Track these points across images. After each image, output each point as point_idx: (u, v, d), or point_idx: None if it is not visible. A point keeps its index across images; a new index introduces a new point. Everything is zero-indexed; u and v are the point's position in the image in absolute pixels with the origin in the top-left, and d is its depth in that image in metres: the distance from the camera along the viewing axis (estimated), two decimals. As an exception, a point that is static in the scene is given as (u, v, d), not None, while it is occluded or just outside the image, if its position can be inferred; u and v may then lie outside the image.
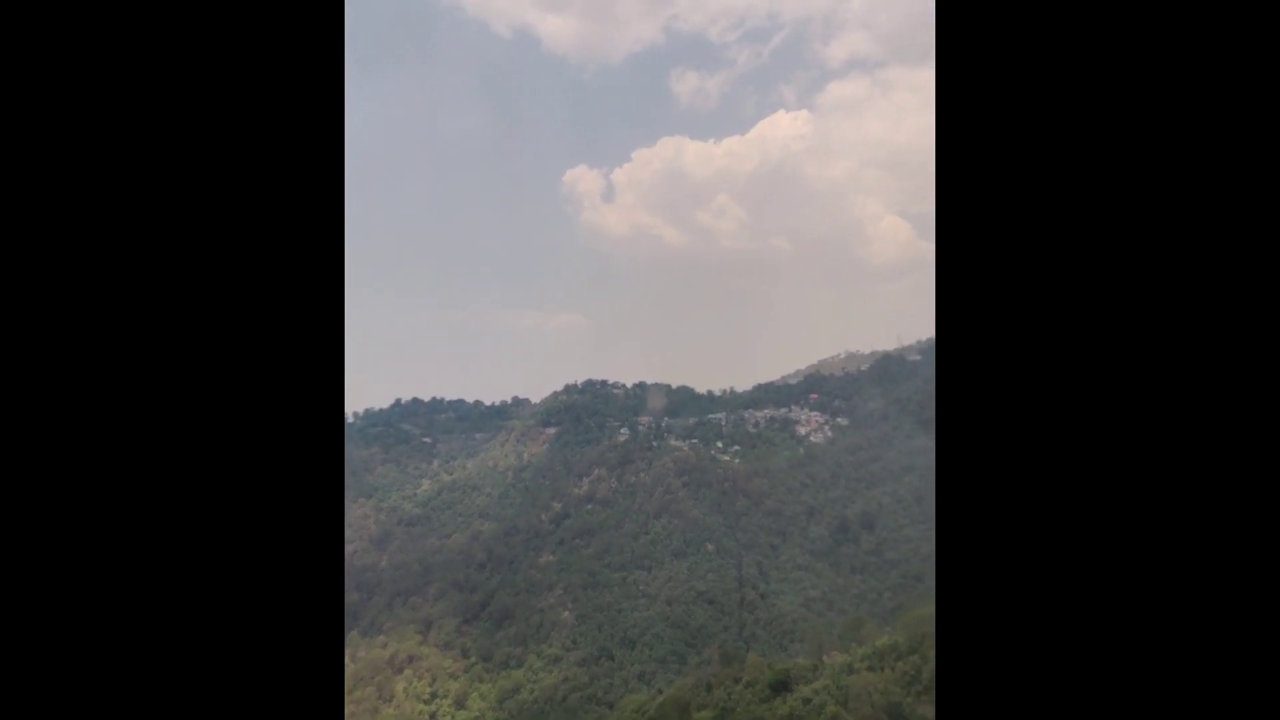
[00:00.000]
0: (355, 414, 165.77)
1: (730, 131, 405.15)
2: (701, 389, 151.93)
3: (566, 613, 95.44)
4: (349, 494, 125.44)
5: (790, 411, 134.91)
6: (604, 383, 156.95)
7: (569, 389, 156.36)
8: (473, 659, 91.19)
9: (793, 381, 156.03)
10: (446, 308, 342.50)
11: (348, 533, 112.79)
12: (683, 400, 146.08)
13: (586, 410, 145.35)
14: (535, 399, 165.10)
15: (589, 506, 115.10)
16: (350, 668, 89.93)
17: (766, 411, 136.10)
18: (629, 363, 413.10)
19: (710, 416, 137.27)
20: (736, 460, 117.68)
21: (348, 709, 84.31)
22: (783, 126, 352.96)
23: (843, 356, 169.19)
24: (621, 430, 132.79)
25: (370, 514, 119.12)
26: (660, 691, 77.96)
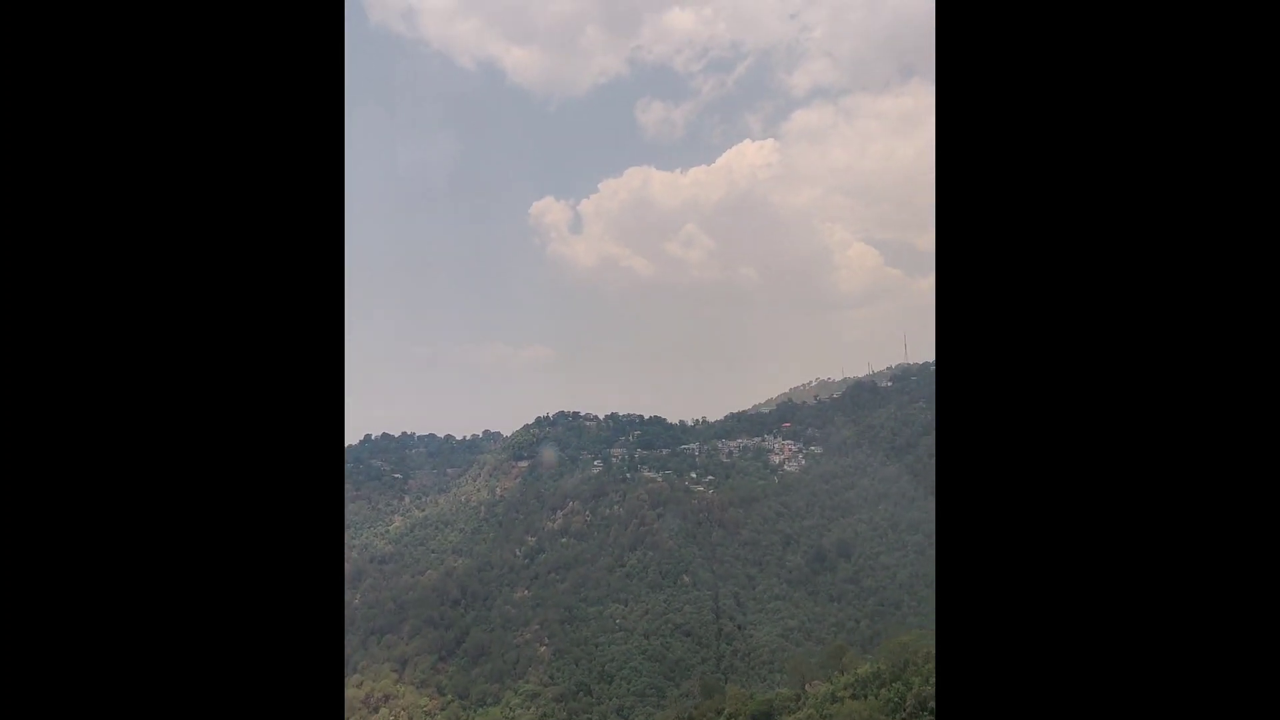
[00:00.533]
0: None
1: (697, 161, 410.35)
2: (674, 419, 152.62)
3: (543, 648, 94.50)
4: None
5: (764, 440, 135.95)
6: (576, 414, 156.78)
7: (540, 421, 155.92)
8: (449, 696, 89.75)
9: (765, 410, 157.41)
10: (411, 342, 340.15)
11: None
12: (655, 431, 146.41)
13: (558, 442, 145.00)
14: (506, 432, 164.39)
15: (563, 540, 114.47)
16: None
17: (740, 441, 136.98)
18: (600, 394, 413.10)
19: (683, 447, 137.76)
20: (711, 490, 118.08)
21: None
22: (749, 155, 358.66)
23: (814, 384, 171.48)
24: (595, 462, 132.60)
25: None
26: (640, 726, 77.40)
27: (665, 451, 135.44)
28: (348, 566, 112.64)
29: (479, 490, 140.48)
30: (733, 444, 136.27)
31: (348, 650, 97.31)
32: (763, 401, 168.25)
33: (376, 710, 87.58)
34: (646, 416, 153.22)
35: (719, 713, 50.44)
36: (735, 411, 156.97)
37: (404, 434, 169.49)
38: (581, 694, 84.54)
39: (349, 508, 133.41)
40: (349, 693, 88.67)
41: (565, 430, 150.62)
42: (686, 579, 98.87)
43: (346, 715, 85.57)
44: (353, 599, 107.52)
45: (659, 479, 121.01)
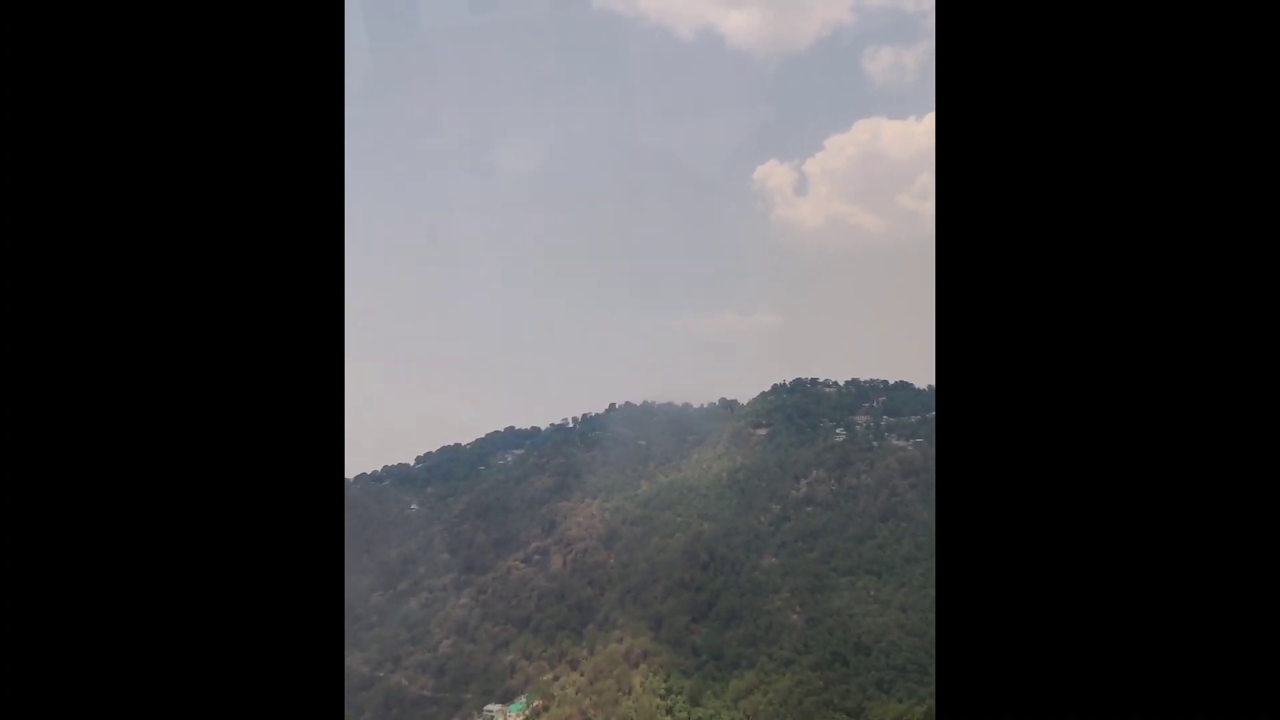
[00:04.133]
0: (575, 419, 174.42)
1: (932, 106, 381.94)
2: (922, 384, 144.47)
3: (795, 615, 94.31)
4: (576, 494, 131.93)
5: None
6: (814, 380, 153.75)
7: (777, 389, 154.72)
8: (704, 657, 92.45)
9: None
10: (647, 315, 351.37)
11: (578, 530, 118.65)
12: (902, 397, 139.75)
13: (797, 409, 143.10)
14: (743, 400, 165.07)
15: (809, 509, 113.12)
16: (590, 660, 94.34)
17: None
18: (836, 360, 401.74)
19: (934, 414, 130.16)
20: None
21: (588, 699, 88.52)
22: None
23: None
24: (838, 430, 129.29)
25: (597, 513, 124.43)
26: (901, 701, 74.84)
27: (914, 419, 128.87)
28: (602, 527, 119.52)
29: (719, 458, 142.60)
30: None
31: (607, 607, 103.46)
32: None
33: (636, 666, 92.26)
34: (891, 381, 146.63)
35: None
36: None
37: (645, 403, 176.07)
38: (838, 664, 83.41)
39: (599, 473, 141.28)
40: (611, 648, 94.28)
41: (803, 397, 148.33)
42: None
43: (610, 668, 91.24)
44: (608, 559, 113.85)
45: (909, 447, 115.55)
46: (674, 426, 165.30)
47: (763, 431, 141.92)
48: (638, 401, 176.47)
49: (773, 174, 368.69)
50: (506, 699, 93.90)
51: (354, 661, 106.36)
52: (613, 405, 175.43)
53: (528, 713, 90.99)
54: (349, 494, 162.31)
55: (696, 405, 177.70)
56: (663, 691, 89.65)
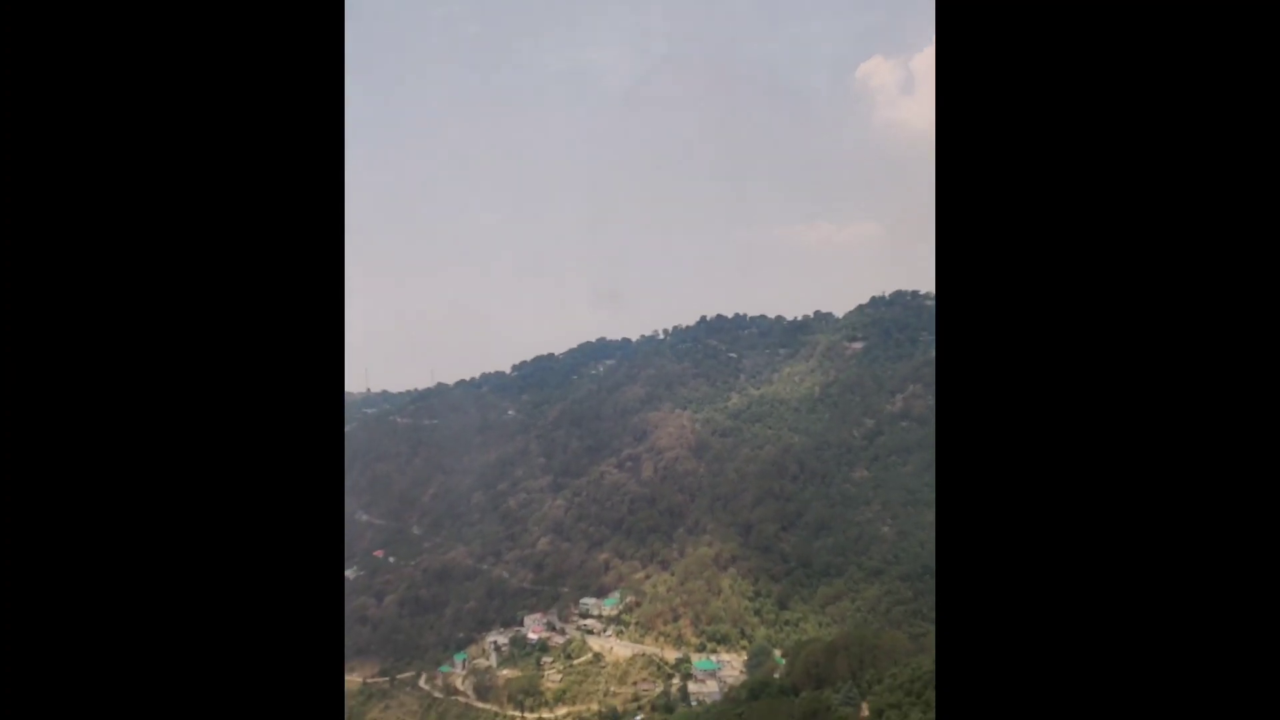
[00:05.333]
0: (665, 331, 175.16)
1: None
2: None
3: (885, 528, 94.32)
4: (666, 405, 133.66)
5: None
6: (914, 293, 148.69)
7: (875, 301, 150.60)
8: (792, 564, 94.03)
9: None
10: (734, 226, 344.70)
11: (668, 440, 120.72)
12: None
13: (895, 323, 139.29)
14: (838, 313, 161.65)
15: (904, 424, 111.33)
16: (680, 562, 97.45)
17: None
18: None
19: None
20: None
21: (679, 598, 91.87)
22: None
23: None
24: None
25: (687, 424, 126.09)
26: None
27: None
28: (692, 438, 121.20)
29: (812, 371, 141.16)
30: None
31: (697, 513, 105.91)
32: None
33: (725, 569, 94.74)
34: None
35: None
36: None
37: (736, 315, 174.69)
38: (928, 575, 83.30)
39: (690, 384, 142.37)
40: (700, 551, 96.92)
41: (902, 310, 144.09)
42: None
43: (700, 570, 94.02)
44: (698, 468, 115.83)
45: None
46: (765, 339, 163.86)
47: (858, 345, 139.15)
48: (729, 314, 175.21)
49: (876, 71, 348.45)
50: (601, 594, 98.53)
51: (458, 555, 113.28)
52: (703, 317, 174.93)
53: (621, 607, 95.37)
54: (450, 398, 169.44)
55: (790, 318, 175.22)
56: (751, 594, 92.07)
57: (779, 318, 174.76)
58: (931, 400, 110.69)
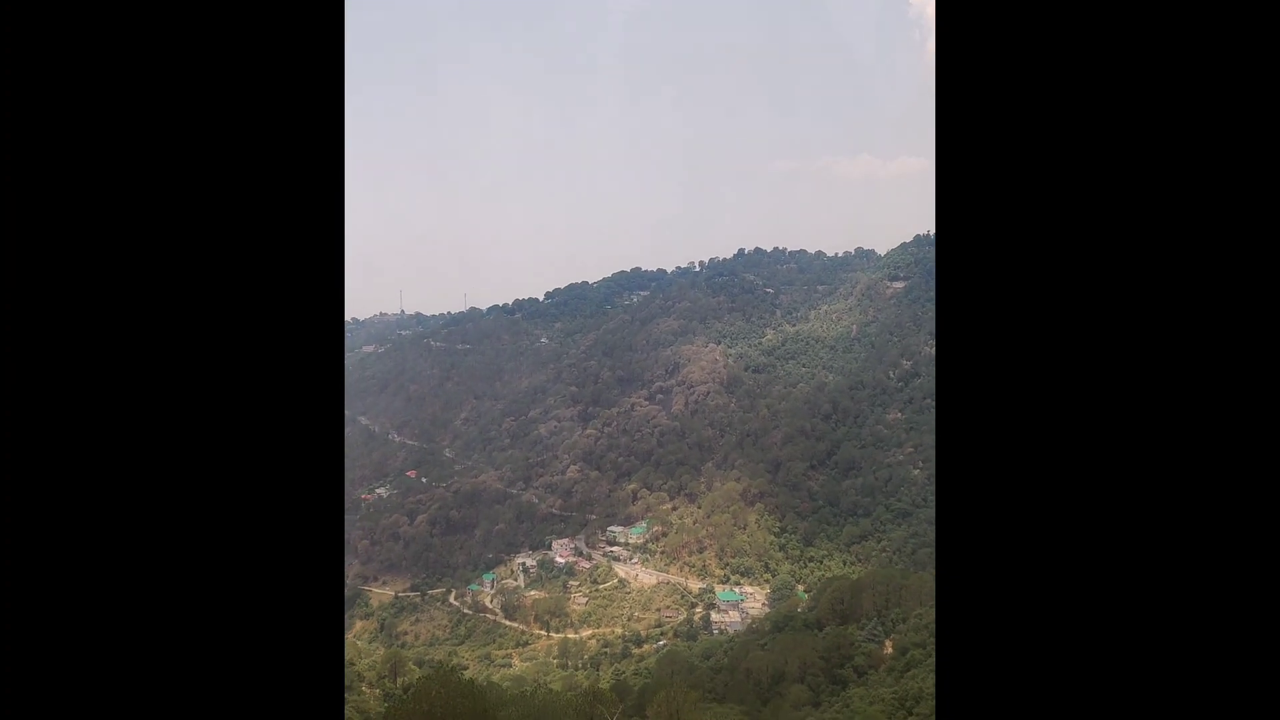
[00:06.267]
0: (701, 263, 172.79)
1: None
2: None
3: (916, 470, 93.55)
4: (699, 339, 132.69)
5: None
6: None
7: (920, 240, 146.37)
8: (820, 502, 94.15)
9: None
10: (774, 156, 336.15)
11: (700, 374, 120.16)
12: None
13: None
14: (880, 250, 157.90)
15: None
16: (707, 495, 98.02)
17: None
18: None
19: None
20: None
21: (705, 530, 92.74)
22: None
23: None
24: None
25: (719, 359, 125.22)
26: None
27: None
28: (724, 373, 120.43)
29: (850, 310, 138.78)
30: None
31: (726, 449, 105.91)
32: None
33: (752, 504, 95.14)
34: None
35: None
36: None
37: (775, 249, 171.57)
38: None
39: (725, 319, 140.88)
40: (727, 486, 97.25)
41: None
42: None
43: (725, 505, 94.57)
44: (729, 403, 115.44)
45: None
46: (804, 275, 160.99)
47: (899, 284, 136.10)
48: (768, 248, 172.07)
49: None
50: (628, 523, 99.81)
51: (488, 479, 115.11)
52: (741, 250, 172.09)
53: (647, 536, 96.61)
54: (483, 323, 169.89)
55: (830, 254, 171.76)
56: (777, 530, 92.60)
57: (819, 253, 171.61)
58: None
